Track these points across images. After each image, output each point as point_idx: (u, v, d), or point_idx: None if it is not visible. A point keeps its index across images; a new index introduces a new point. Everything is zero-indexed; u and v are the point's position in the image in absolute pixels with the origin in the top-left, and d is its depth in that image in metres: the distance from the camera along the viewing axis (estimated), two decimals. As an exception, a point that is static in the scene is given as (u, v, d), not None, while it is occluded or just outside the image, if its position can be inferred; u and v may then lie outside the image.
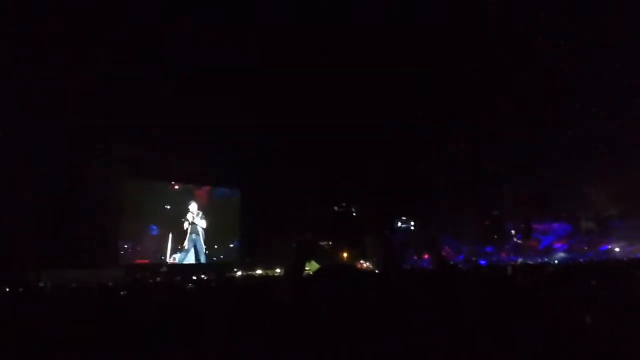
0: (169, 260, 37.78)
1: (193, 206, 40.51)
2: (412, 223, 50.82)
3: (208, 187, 42.18)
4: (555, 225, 48.51)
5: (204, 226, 40.82)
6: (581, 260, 30.51)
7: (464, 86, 39.09)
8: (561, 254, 44.68)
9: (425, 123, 41.89)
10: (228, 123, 36.79)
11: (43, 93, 28.24)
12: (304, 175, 39.76)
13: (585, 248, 44.71)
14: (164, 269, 33.61)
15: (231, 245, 43.03)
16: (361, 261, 44.13)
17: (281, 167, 39.53)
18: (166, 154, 36.09)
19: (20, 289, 13.22)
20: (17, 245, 26.38)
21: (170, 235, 38.53)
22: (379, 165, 44.19)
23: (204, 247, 40.34)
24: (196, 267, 37.40)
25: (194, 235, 40.07)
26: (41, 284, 17.34)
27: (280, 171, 39.54)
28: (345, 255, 49.55)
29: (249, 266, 39.39)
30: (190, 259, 39.32)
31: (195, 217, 40.55)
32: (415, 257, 48.04)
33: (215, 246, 41.71)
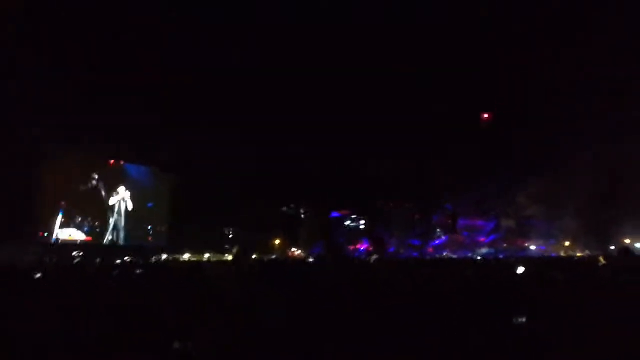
0: (84, 239, 35.83)
1: (121, 187, 38.76)
2: (351, 216, 52.08)
3: (143, 168, 40.55)
4: (480, 222, 51.02)
5: (130, 208, 39.16)
6: (501, 256, 32.23)
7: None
8: (484, 250, 47.09)
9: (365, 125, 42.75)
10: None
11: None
12: (244, 172, 39.34)
13: (505, 245, 47.35)
14: (78, 252, 31.59)
15: (160, 230, 41.64)
16: (293, 249, 44.33)
17: (223, 161, 38.83)
18: (94, 128, 34.14)
19: None
20: None
21: (101, 216, 36.81)
22: (319, 164, 44.56)
23: (123, 229, 38.73)
24: (121, 250, 35.76)
25: (117, 216, 38.33)
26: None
27: (221, 164, 38.88)
28: (277, 242, 49.56)
29: (177, 251, 38.34)
30: (112, 239, 37.67)
31: (122, 198, 38.77)
32: (351, 247, 49.01)
33: (143, 229, 40.22)
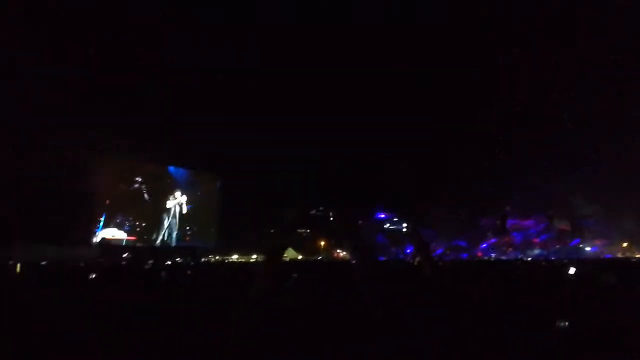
0: (139, 243, 37.20)
1: (177, 192, 40.27)
2: (392, 218, 51.52)
3: (189, 171, 41.75)
4: (530, 222, 49.39)
5: (184, 211, 40.48)
6: (552, 257, 31.08)
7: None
8: (535, 251, 45.58)
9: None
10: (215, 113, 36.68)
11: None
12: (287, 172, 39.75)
13: (557, 246, 45.63)
14: (128, 254, 32.81)
15: (211, 230, 42.70)
16: (337, 250, 44.33)
17: (267, 160, 39.45)
18: (147, 137, 35.55)
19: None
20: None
21: (145, 217, 38.11)
22: (357, 162, 44.49)
23: (175, 231, 39.95)
24: (172, 250, 36.91)
25: (171, 219, 39.65)
26: (11, 262, 16.91)
27: (266, 164, 39.53)
28: (322, 244, 49.70)
29: (225, 251, 39.18)
30: (163, 239, 38.93)
31: (175, 200, 40.09)
32: (394, 249, 48.53)
33: (192, 230, 41.32)
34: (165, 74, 34.00)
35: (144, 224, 38.20)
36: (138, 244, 36.61)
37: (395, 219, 50.07)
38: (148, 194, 38.75)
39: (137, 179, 38.21)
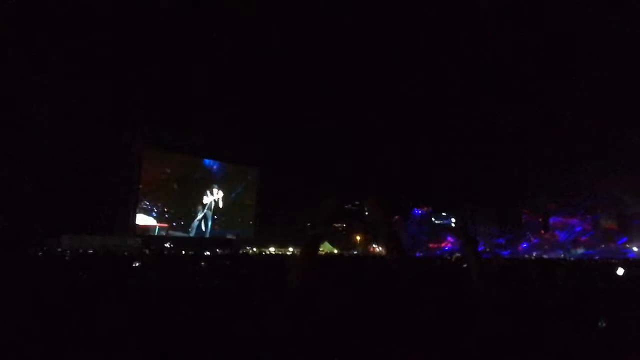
0: (179, 233, 38.14)
1: (214, 184, 41.11)
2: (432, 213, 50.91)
3: (227, 164, 42.55)
4: (574, 221, 47.78)
5: (220, 204, 41.33)
6: (597, 257, 29.96)
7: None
8: (579, 250, 44.08)
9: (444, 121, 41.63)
10: (250, 105, 37.14)
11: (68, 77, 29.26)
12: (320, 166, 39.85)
13: (602, 246, 43.95)
14: (170, 244, 33.65)
15: (249, 223, 43.47)
16: (374, 245, 44.17)
17: (302, 154, 39.66)
18: (187, 131, 36.53)
19: (40, 253, 13.53)
20: (39, 211, 27.17)
21: (187, 209, 39.13)
22: (396, 155, 44.11)
23: (210, 223, 40.85)
24: (211, 242, 37.67)
25: (207, 211, 40.58)
26: (59, 249, 17.74)
27: (301, 157, 39.75)
28: (358, 238, 49.68)
29: (263, 244, 39.77)
30: (199, 232, 39.87)
31: (211, 193, 40.99)
32: (432, 245, 48.00)
33: (228, 221, 42.13)
34: (204, 65, 34.59)
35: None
36: (177, 234, 37.57)
37: (444, 214, 49.26)
38: (185, 186, 39.55)
39: (176, 171, 39.18)
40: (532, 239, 48.31)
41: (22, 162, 27.46)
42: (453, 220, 49.21)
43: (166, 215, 38.41)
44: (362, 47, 35.55)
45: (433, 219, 49.50)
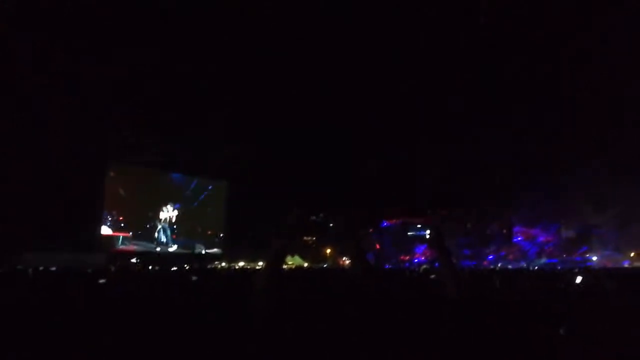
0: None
1: (168, 205, 40.54)
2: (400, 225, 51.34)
3: (192, 178, 42.09)
4: (537, 231, 49.17)
5: (174, 220, 40.72)
6: (559, 267, 30.92)
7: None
8: (542, 260, 45.35)
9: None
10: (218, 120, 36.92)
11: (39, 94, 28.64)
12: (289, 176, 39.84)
13: (564, 255, 45.37)
14: (137, 260, 33.03)
15: (215, 238, 42.95)
16: (344, 258, 44.29)
17: (271, 165, 39.54)
18: (153, 145, 36.02)
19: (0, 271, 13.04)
20: (1, 228, 26.22)
21: (153, 224, 38.49)
22: (367, 166, 44.49)
23: (171, 237, 40.28)
24: (179, 257, 37.06)
25: (164, 224, 39.95)
26: (19, 267, 17.14)
27: (270, 168, 39.60)
28: (328, 251, 49.70)
29: (232, 259, 39.34)
30: (161, 244, 39.22)
31: (169, 208, 40.42)
32: (403, 257, 48.41)
33: (190, 234, 41.59)
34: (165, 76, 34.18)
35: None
36: (141, 249, 36.86)
37: (419, 225, 49.62)
38: (147, 199, 38.96)
39: (139, 184, 38.51)
40: (497, 249, 49.39)
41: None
42: (427, 232, 49.60)
43: (127, 226, 37.60)
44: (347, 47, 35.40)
45: (408, 232, 49.92)
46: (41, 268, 15.56)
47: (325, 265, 38.29)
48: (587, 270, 15.23)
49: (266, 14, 31.31)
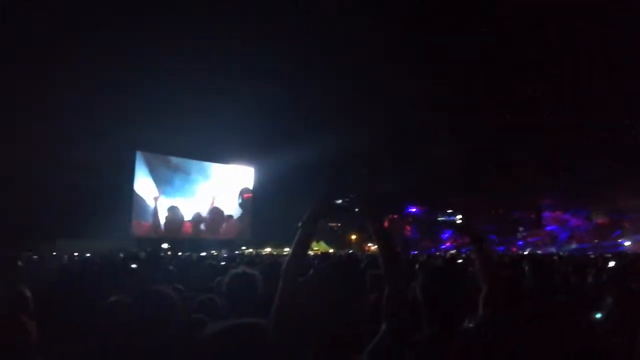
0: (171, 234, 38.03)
1: (205, 182, 40.96)
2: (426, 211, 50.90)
3: (222, 165, 42.50)
4: (567, 216, 48.13)
5: (219, 204, 41.27)
6: (590, 252, 30.18)
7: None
8: (572, 245, 44.43)
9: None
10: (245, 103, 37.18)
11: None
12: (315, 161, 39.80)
13: (596, 241, 44.32)
14: (168, 245, 33.65)
15: (242, 223, 43.39)
16: (369, 244, 44.30)
17: (295, 150, 39.55)
18: (179, 132, 36.52)
19: (35, 257, 13.49)
20: (33, 215, 27.12)
21: (180, 210, 39.04)
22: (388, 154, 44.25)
23: (204, 223, 40.70)
24: (208, 243, 37.59)
25: (201, 212, 40.49)
26: (54, 253, 17.68)
27: (295, 152, 39.59)
28: (353, 237, 49.77)
29: (259, 244, 39.73)
30: (187, 234, 39.68)
31: (208, 194, 40.97)
32: (428, 243, 48.07)
33: (225, 223, 42.07)
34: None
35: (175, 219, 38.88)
36: (170, 235, 37.43)
37: (450, 211, 48.83)
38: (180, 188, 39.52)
39: (169, 173, 39.10)
40: (525, 235, 48.58)
41: (12, 165, 27.38)
42: (458, 217, 48.84)
43: (164, 219, 38.22)
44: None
45: (438, 218, 49.11)
46: (76, 254, 16.05)
47: (350, 251, 38.33)
48: (619, 255, 14.84)
49: None
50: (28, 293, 3.16)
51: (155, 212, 37.63)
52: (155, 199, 37.70)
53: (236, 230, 43.05)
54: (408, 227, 50.54)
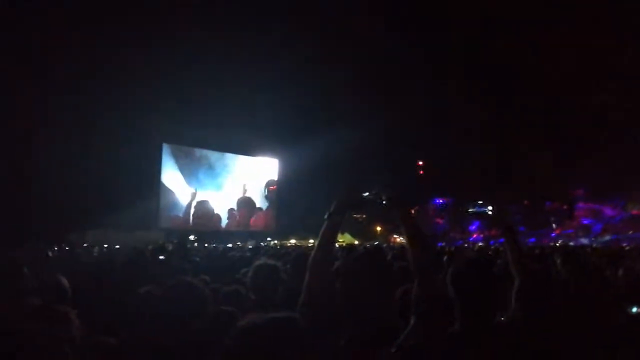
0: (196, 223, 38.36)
1: (231, 175, 41.29)
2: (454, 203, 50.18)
3: (247, 157, 42.77)
4: (601, 206, 46.86)
5: (242, 195, 41.58)
6: (624, 244, 29.30)
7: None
8: (606, 237, 43.23)
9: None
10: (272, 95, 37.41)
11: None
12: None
13: (631, 232, 42.99)
14: (193, 237, 34.07)
15: (268, 215, 43.65)
16: (394, 235, 44.07)
17: (320, 142, 39.54)
18: (205, 124, 36.93)
19: (67, 247, 13.87)
20: (64, 207, 27.83)
21: (210, 203, 39.47)
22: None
23: (226, 215, 41.13)
24: (232, 235, 37.92)
25: (226, 203, 40.83)
26: (85, 244, 18.16)
27: (320, 144, 39.59)
28: (378, 229, 49.58)
29: (284, 236, 39.93)
30: (213, 225, 39.96)
31: (238, 184, 41.30)
32: (455, 234, 47.47)
33: (255, 216, 42.38)
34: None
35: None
36: (197, 227, 37.83)
37: (480, 202, 47.81)
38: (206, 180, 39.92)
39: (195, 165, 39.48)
40: (558, 226, 47.50)
41: (43, 157, 28.14)
42: (489, 208, 47.91)
43: (191, 210, 38.59)
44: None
45: (468, 209, 48.11)
46: (105, 246, 16.42)
47: (376, 243, 38.17)
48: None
49: None
50: (66, 283, 3.21)
51: (185, 205, 38.16)
52: (192, 194, 38.29)
53: (264, 222, 43.34)
54: (436, 219, 50.03)
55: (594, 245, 28.24)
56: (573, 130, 42.30)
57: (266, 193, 43.75)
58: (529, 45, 37.99)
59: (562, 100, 41.64)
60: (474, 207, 45.78)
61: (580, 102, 40.71)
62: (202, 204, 39.18)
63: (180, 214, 37.97)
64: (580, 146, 42.92)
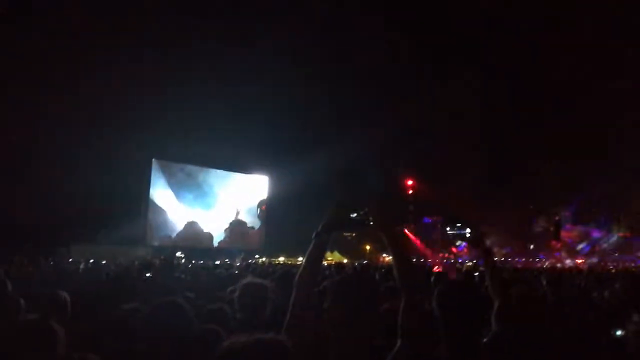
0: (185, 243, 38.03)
1: (220, 191, 41.06)
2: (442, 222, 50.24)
3: (237, 174, 42.61)
4: (587, 229, 47.24)
5: (230, 213, 41.32)
6: (611, 267, 29.55)
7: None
8: (593, 259, 43.49)
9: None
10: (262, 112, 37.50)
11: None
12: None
13: (616, 254, 43.34)
14: (181, 253, 33.73)
15: (261, 234, 43.37)
16: (383, 255, 44.00)
17: (310, 159, 39.56)
18: (195, 141, 36.87)
19: (51, 262, 13.68)
20: (49, 220, 27.49)
21: (199, 224, 39.16)
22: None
23: (218, 233, 40.77)
24: (219, 252, 37.61)
25: (216, 220, 40.55)
26: (70, 259, 17.89)
27: (309, 161, 39.59)
28: (368, 248, 49.43)
29: (273, 253, 39.62)
30: (202, 243, 39.57)
31: (231, 205, 41.09)
32: (442, 255, 47.47)
33: (247, 236, 42.06)
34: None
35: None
36: (184, 243, 37.40)
37: (459, 224, 47.90)
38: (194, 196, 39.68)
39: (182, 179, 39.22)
40: (544, 248, 47.69)
41: (30, 169, 27.89)
42: (468, 230, 48.19)
43: (181, 227, 38.32)
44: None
45: (447, 229, 48.32)
46: (91, 261, 16.19)
47: (365, 262, 38.05)
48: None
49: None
50: (66, 297, 3.17)
51: (174, 222, 37.83)
52: (182, 210, 37.96)
53: (256, 241, 43.04)
54: (424, 238, 49.98)
55: (581, 266, 28.47)
56: (562, 153, 42.74)
57: (258, 212, 43.55)
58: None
59: (551, 120, 42.21)
60: (452, 229, 45.79)
61: (568, 124, 41.28)
62: (191, 223, 38.86)
63: (169, 231, 37.62)
64: (570, 167, 43.33)
